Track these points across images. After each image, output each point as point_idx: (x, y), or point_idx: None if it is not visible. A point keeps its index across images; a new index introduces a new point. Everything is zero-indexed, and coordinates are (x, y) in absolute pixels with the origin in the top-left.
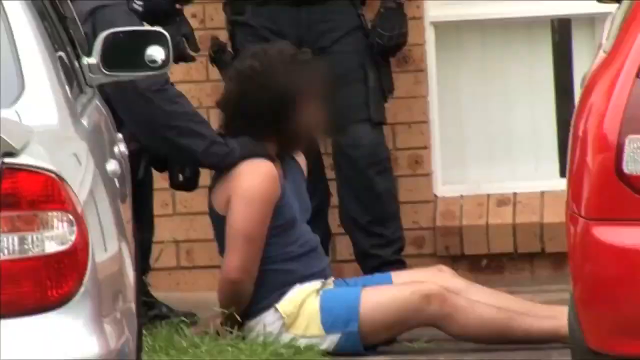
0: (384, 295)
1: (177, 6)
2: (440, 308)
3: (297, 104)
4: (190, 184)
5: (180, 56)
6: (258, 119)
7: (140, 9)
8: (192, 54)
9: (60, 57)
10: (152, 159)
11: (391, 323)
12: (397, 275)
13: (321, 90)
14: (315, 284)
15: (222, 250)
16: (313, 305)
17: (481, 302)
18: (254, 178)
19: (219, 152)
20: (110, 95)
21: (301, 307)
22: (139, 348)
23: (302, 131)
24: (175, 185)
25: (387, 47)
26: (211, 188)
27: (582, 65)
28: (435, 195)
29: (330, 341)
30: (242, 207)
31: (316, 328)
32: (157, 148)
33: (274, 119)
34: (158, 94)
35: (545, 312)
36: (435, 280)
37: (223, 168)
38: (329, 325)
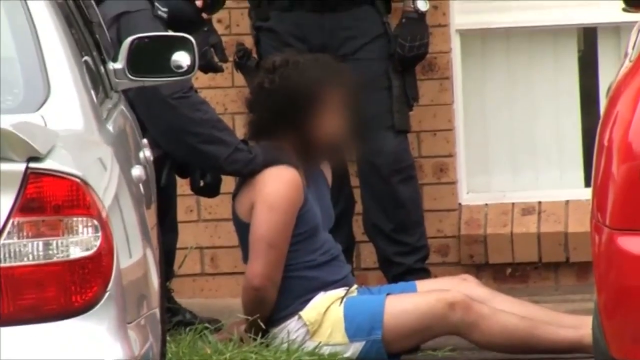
0: (408, 303)
1: (204, 15)
2: (464, 316)
3: (318, 107)
4: (211, 190)
5: (209, 66)
6: (278, 116)
7: (165, 15)
8: (221, 64)
9: (86, 62)
10: (174, 165)
11: (415, 331)
12: (422, 284)
13: (346, 100)
14: (339, 291)
15: (246, 257)
16: (337, 313)
17: (505, 311)
18: (278, 185)
19: (242, 159)
20: (132, 102)
21: (325, 315)
22: (163, 354)
23: (322, 137)
24: (196, 190)
25: (407, 57)
26: (235, 195)
27: (607, 74)
28: (460, 204)
29: (354, 349)
30: (266, 214)
31: (340, 336)
32: (180, 155)
33: (292, 118)
34: (181, 101)
35: (569, 322)
36: (460, 289)
37: (246, 175)
38: (352, 333)
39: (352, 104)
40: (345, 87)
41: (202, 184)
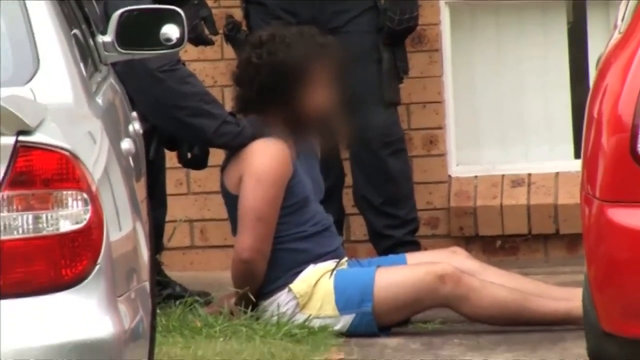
0: (398, 275)
1: None
2: (454, 288)
3: (306, 81)
4: (199, 162)
5: (200, 40)
6: (266, 91)
7: None
8: (211, 36)
9: (75, 35)
10: (162, 138)
11: (405, 303)
12: (412, 257)
13: (334, 73)
14: (329, 264)
15: (235, 230)
16: (327, 285)
17: (495, 283)
18: (266, 157)
19: (230, 131)
20: (120, 76)
21: (315, 287)
22: (153, 327)
23: (310, 112)
24: (184, 162)
25: (396, 30)
26: (223, 168)
27: (596, 47)
28: (450, 176)
29: (345, 321)
30: (254, 187)
31: (330, 308)
32: (168, 128)
33: (280, 92)
34: (169, 74)
35: (559, 294)
36: (450, 262)
37: (235, 148)
38: (342, 305)
39: (339, 77)
40: (332, 61)
41: (189, 156)
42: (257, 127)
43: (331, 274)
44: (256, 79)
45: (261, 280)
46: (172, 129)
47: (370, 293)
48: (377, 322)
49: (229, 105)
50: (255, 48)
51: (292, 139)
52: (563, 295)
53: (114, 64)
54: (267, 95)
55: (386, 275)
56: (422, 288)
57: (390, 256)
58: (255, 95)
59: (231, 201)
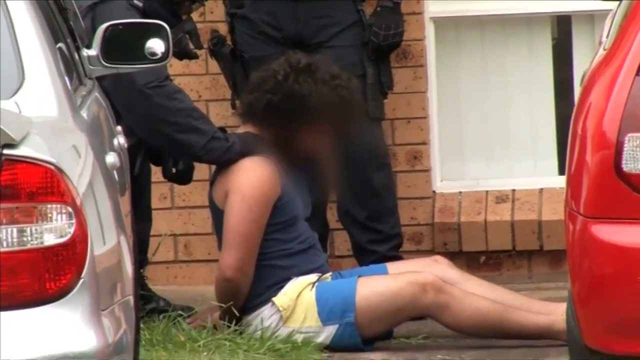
0: (379, 285)
1: (183, 17)
2: (436, 297)
3: (313, 124)
4: (184, 177)
5: (184, 53)
6: (273, 110)
7: (140, 4)
8: (196, 50)
9: (60, 49)
10: (147, 153)
11: (387, 312)
12: (393, 266)
13: (342, 128)
14: (312, 276)
15: (220, 244)
16: (309, 297)
17: (476, 293)
18: (253, 176)
19: (219, 147)
20: (108, 91)
21: (297, 300)
22: (137, 341)
23: (304, 149)
24: (168, 177)
25: (381, 45)
26: (212, 181)
27: (581, 63)
28: (434, 192)
29: (328, 332)
30: (239, 205)
31: (313, 320)
32: (156, 144)
33: (284, 120)
34: (157, 90)
35: (540, 308)
36: (431, 271)
37: (224, 163)
38: (325, 316)
39: (345, 138)
40: (347, 117)
41: (174, 171)
42: (247, 144)
43: (312, 285)
44: (270, 94)
45: (244, 298)
46: (160, 144)
47: (352, 303)
48: (360, 332)
49: (214, 120)
50: (289, 67)
51: (281, 161)
52: (544, 310)
53: (101, 78)
54: (272, 115)
55: (368, 285)
56: (403, 297)
57: (372, 266)
58: (262, 107)
59: (218, 216)
